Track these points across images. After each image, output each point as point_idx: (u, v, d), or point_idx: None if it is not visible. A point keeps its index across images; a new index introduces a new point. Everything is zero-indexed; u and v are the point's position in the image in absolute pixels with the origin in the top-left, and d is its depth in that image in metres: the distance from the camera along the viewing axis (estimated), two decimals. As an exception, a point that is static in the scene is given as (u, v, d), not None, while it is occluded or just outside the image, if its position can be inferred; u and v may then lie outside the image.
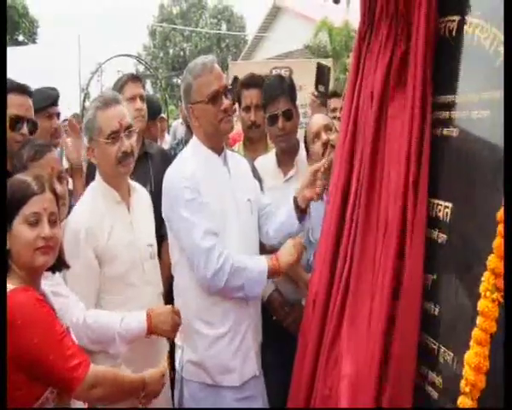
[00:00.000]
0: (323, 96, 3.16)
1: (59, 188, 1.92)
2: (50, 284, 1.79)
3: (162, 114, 5.66)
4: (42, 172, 1.83)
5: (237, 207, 2.16)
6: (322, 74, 3.08)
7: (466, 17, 1.48)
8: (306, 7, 18.34)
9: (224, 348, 2.12)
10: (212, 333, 2.12)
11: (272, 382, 2.32)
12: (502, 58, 1.31)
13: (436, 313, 1.49)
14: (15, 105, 2.12)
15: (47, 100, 2.67)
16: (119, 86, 2.80)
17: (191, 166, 2.11)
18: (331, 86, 4.00)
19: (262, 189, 2.56)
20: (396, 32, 1.70)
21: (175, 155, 3.13)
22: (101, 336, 1.95)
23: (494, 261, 1.22)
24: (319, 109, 3.27)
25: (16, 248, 1.57)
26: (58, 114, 2.82)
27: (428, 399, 1.48)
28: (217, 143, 2.17)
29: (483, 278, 1.25)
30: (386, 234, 1.66)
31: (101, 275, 2.02)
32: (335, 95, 3.44)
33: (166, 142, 5.40)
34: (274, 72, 4.31)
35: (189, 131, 3.20)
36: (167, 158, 2.99)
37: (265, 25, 22.64)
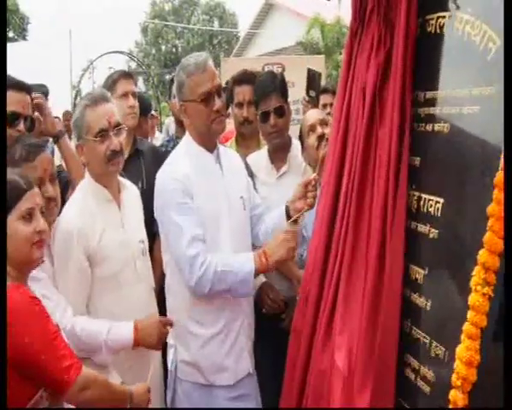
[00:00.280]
0: (314, 101, 3.16)
1: (51, 190, 1.92)
2: (39, 286, 1.78)
3: (153, 112, 5.65)
4: (35, 174, 1.84)
5: (230, 205, 2.16)
6: (312, 80, 3.09)
7: (456, 13, 1.48)
8: (298, 3, 18.37)
9: (217, 347, 2.12)
10: (205, 333, 2.11)
11: (264, 379, 2.33)
12: (492, 54, 1.32)
13: (427, 307, 1.49)
14: (13, 102, 2.10)
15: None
16: (111, 83, 2.79)
17: (183, 166, 2.10)
18: (324, 82, 4.01)
19: (255, 185, 2.56)
20: (385, 30, 1.71)
21: (166, 152, 3.13)
22: (88, 344, 1.94)
23: (484, 256, 1.23)
24: None
25: (12, 245, 1.57)
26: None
27: (420, 393, 1.49)
28: (209, 142, 2.17)
29: (474, 273, 1.25)
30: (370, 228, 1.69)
31: (92, 275, 2.01)
32: (326, 91, 3.45)
33: (157, 139, 5.39)
34: (266, 68, 4.30)
35: (180, 128, 3.20)
36: (159, 155, 2.99)
37: (257, 21, 22.63)
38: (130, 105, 2.78)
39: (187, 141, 2.19)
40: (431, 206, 1.52)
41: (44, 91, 2.76)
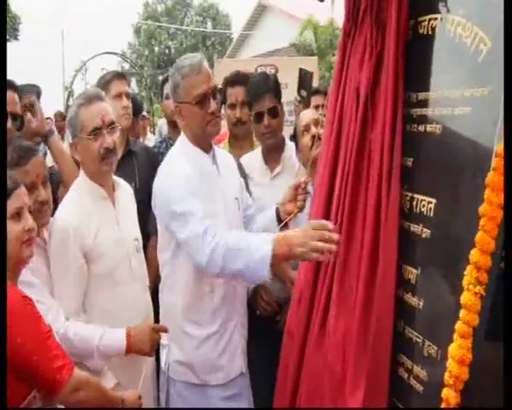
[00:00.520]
0: (306, 101, 3.17)
1: (43, 193, 1.92)
2: (32, 291, 1.78)
3: (144, 113, 5.65)
4: (27, 178, 1.85)
5: (226, 206, 2.16)
6: (304, 79, 3.09)
7: (448, 15, 1.50)
8: (291, 5, 18.40)
9: (212, 347, 2.12)
10: (200, 333, 2.11)
11: (257, 379, 2.33)
12: (483, 56, 1.34)
13: (420, 306, 1.50)
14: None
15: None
16: (104, 83, 2.78)
17: (182, 165, 2.08)
18: (317, 84, 4.03)
19: (248, 186, 2.56)
20: (377, 31, 1.73)
21: (159, 153, 3.14)
22: (81, 349, 1.94)
23: (476, 255, 1.24)
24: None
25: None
26: (40, 112, 2.78)
27: (413, 392, 1.50)
28: (204, 143, 2.16)
29: (466, 272, 1.27)
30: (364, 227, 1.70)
31: (88, 273, 2.01)
32: (318, 92, 3.46)
33: (149, 139, 5.40)
34: (259, 70, 4.32)
35: (172, 129, 3.20)
36: (152, 156, 2.99)
37: (251, 23, 22.66)
38: (124, 106, 2.78)
39: (183, 142, 2.18)
40: (423, 206, 1.53)
41: (37, 92, 2.75)
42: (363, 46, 1.79)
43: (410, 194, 1.60)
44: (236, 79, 2.87)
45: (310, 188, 2.26)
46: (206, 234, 1.91)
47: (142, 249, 2.24)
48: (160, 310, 2.22)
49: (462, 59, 1.42)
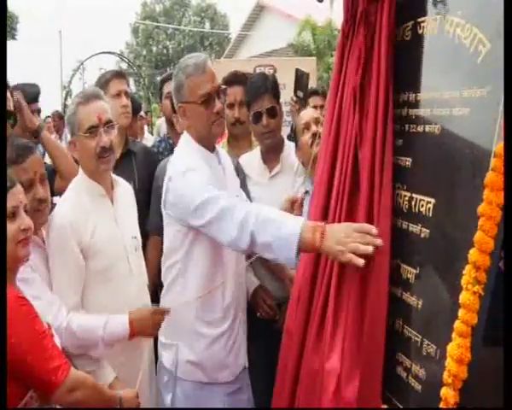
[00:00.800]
0: (302, 102, 3.18)
1: (41, 191, 1.92)
2: (32, 287, 1.78)
3: (142, 113, 5.64)
4: (25, 176, 1.85)
5: None
6: (300, 80, 3.11)
7: (447, 16, 1.50)
8: (289, 5, 18.40)
9: (222, 345, 2.14)
10: (212, 333, 2.12)
11: (256, 379, 2.34)
12: (482, 57, 1.34)
13: (419, 306, 1.51)
14: None
15: (27, 96, 2.62)
16: (104, 83, 2.79)
17: (193, 159, 2.05)
18: (315, 85, 4.03)
19: (246, 185, 2.57)
20: (367, 32, 1.76)
21: (159, 152, 3.14)
22: (85, 340, 1.95)
23: (475, 255, 1.25)
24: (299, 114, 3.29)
25: None
26: (38, 111, 2.79)
27: (412, 391, 1.50)
28: (209, 143, 2.15)
29: (464, 272, 1.27)
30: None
31: (86, 270, 2.02)
32: (316, 93, 3.47)
33: (147, 139, 5.39)
34: (258, 70, 4.32)
35: (171, 129, 3.20)
36: (151, 155, 3.00)
37: (249, 23, 22.66)
38: (124, 104, 2.78)
39: (187, 140, 2.15)
40: (422, 206, 1.53)
41: (36, 91, 2.75)
42: (360, 49, 1.80)
43: (408, 194, 1.61)
44: (235, 79, 2.88)
45: (309, 187, 2.27)
46: (234, 209, 1.84)
47: (140, 248, 2.24)
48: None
49: (462, 60, 1.42)
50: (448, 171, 1.44)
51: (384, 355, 1.57)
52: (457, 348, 1.25)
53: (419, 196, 1.55)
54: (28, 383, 1.55)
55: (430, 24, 1.57)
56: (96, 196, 2.09)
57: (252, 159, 2.73)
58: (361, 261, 1.63)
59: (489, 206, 1.24)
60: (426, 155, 1.56)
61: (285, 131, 2.96)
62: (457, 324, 1.27)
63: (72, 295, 1.98)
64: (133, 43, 32.62)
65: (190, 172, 2.00)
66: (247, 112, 2.72)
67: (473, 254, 1.25)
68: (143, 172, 2.77)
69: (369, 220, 1.66)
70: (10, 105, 2.23)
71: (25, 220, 1.62)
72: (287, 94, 3.55)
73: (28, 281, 1.79)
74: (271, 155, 2.69)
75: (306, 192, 2.39)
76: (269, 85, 2.65)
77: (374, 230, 1.62)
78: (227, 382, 2.16)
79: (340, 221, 1.78)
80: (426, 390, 1.45)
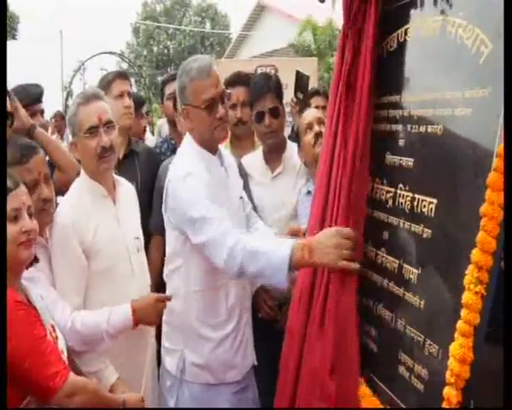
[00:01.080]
0: (302, 103, 3.19)
1: (46, 191, 1.91)
2: (36, 287, 1.78)
3: (144, 109, 5.62)
4: (29, 176, 1.84)
5: (233, 206, 2.16)
6: (301, 82, 3.12)
7: (449, 17, 1.51)
8: (290, 5, 18.39)
9: (228, 347, 2.14)
10: (217, 336, 2.12)
11: (259, 380, 2.34)
12: (484, 57, 1.35)
13: (421, 306, 1.51)
14: None
15: (30, 97, 2.63)
16: (106, 83, 2.79)
17: (196, 165, 2.06)
18: (316, 85, 4.04)
19: (248, 186, 2.57)
20: (354, 34, 1.81)
21: (161, 153, 3.14)
22: (90, 337, 1.96)
23: (477, 255, 1.25)
24: (299, 115, 3.30)
25: None
26: (42, 112, 2.79)
27: (414, 391, 1.51)
28: (211, 146, 2.15)
29: (467, 272, 1.28)
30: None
31: (88, 270, 2.02)
32: (317, 93, 3.48)
33: (148, 139, 5.39)
34: (259, 70, 4.32)
35: (173, 129, 3.20)
36: (153, 156, 3.00)
37: (249, 23, 22.65)
38: (126, 105, 2.79)
39: (189, 142, 2.15)
40: (424, 206, 1.54)
41: (40, 92, 2.75)
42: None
43: (411, 194, 1.61)
44: (237, 79, 2.88)
45: (312, 187, 2.27)
46: (225, 236, 1.89)
47: (143, 248, 2.24)
48: (168, 317, 2.18)
49: (464, 60, 1.43)
50: (450, 171, 1.45)
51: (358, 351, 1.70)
52: (460, 348, 1.26)
53: (421, 197, 1.56)
54: (26, 388, 1.54)
55: (432, 25, 1.58)
56: (98, 196, 2.10)
57: (254, 159, 2.73)
58: (356, 266, 1.72)
59: (491, 206, 1.24)
60: (428, 155, 1.56)
61: (286, 131, 2.96)
62: (460, 324, 1.28)
63: (74, 296, 1.99)
64: (134, 44, 32.63)
65: (190, 178, 2.01)
66: (249, 112, 2.72)
67: (475, 254, 1.26)
68: (146, 173, 2.78)
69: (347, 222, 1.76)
70: (7, 105, 2.22)
71: (27, 222, 1.60)
72: (288, 94, 3.55)
73: (33, 280, 1.79)
74: (274, 155, 2.69)
75: (309, 192, 2.39)
76: (272, 85, 2.65)
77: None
78: (234, 381, 2.16)
79: (336, 222, 1.80)
80: (428, 390, 1.45)
